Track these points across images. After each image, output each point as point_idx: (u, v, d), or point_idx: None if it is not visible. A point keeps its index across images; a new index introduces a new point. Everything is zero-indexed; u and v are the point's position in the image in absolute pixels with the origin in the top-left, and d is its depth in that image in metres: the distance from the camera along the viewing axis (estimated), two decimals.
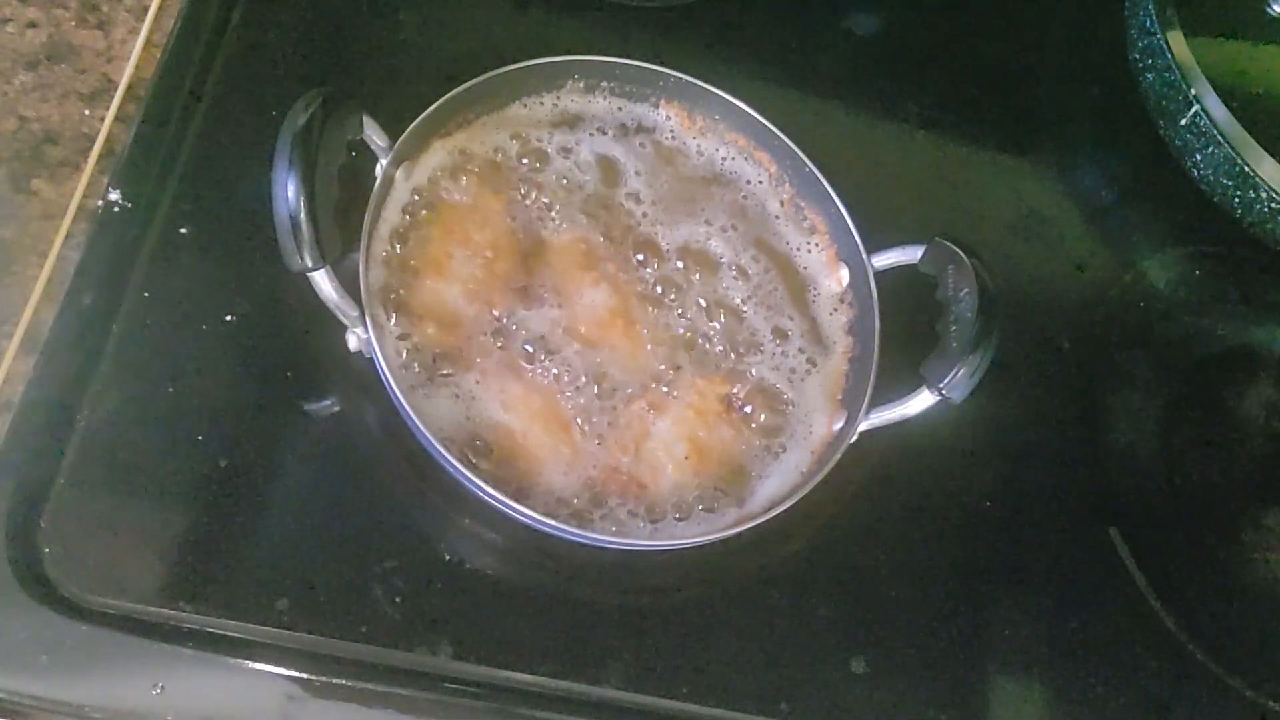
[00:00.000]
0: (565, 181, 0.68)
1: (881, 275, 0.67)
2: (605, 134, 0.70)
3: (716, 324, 0.66)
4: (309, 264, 0.55)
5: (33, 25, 0.68)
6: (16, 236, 0.62)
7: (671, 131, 0.71)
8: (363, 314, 0.58)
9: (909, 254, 0.66)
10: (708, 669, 0.60)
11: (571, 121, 0.70)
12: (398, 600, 0.58)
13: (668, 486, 0.62)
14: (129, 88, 0.67)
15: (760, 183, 0.71)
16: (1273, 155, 0.74)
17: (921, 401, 0.61)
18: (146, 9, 0.70)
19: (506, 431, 0.61)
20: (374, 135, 0.61)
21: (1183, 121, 0.77)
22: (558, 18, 0.77)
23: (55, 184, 0.64)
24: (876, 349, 0.65)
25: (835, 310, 0.69)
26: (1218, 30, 0.78)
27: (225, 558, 0.57)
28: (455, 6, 0.76)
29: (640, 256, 0.67)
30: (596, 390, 0.63)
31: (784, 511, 0.60)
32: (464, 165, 0.66)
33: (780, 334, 0.67)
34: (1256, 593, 0.71)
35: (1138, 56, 0.81)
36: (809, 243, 0.70)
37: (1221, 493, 0.74)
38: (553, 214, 0.67)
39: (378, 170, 0.62)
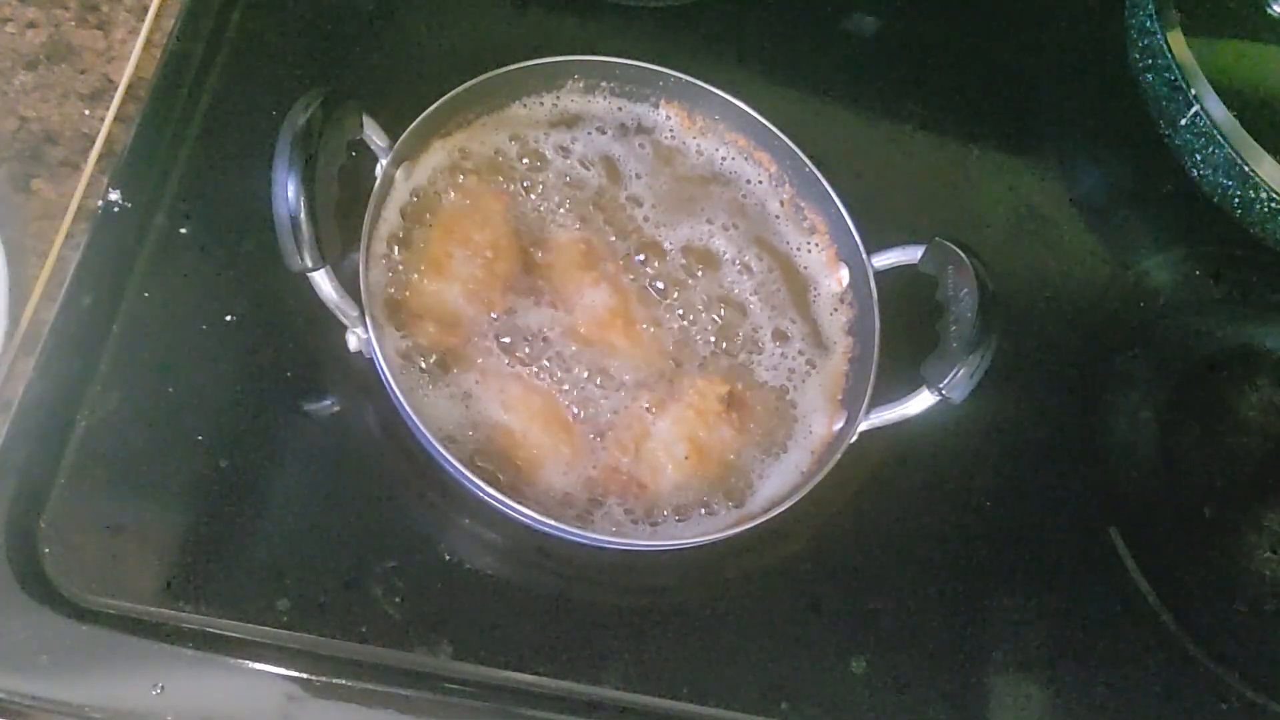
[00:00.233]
0: (565, 181, 0.68)
1: (881, 275, 0.67)
2: (605, 134, 0.70)
3: (717, 323, 0.66)
4: (309, 264, 0.55)
5: (33, 25, 0.68)
6: (16, 236, 0.62)
7: (671, 131, 0.71)
8: (363, 314, 0.58)
9: (909, 254, 0.66)
10: (708, 669, 0.60)
11: (571, 121, 0.70)
12: (398, 600, 0.58)
13: (668, 486, 0.62)
14: (129, 88, 0.67)
15: (760, 183, 0.71)
16: (1273, 155, 0.74)
17: (921, 401, 0.61)
18: (146, 9, 0.70)
19: (506, 431, 0.61)
20: (374, 135, 0.61)
21: (1183, 121, 0.77)
22: (558, 18, 0.77)
23: (55, 184, 0.64)
24: (876, 349, 0.65)
25: (835, 310, 0.69)
26: (1218, 30, 0.78)
27: (225, 558, 0.57)
28: (455, 6, 0.76)
29: (641, 256, 0.67)
30: (596, 390, 0.63)
31: (784, 511, 0.60)
32: (464, 165, 0.66)
33: (780, 334, 0.67)
34: (1256, 593, 0.71)
35: (1138, 56, 0.81)
36: (809, 243, 0.70)
37: (1221, 493, 0.74)
38: (553, 214, 0.67)
39: (378, 170, 0.62)
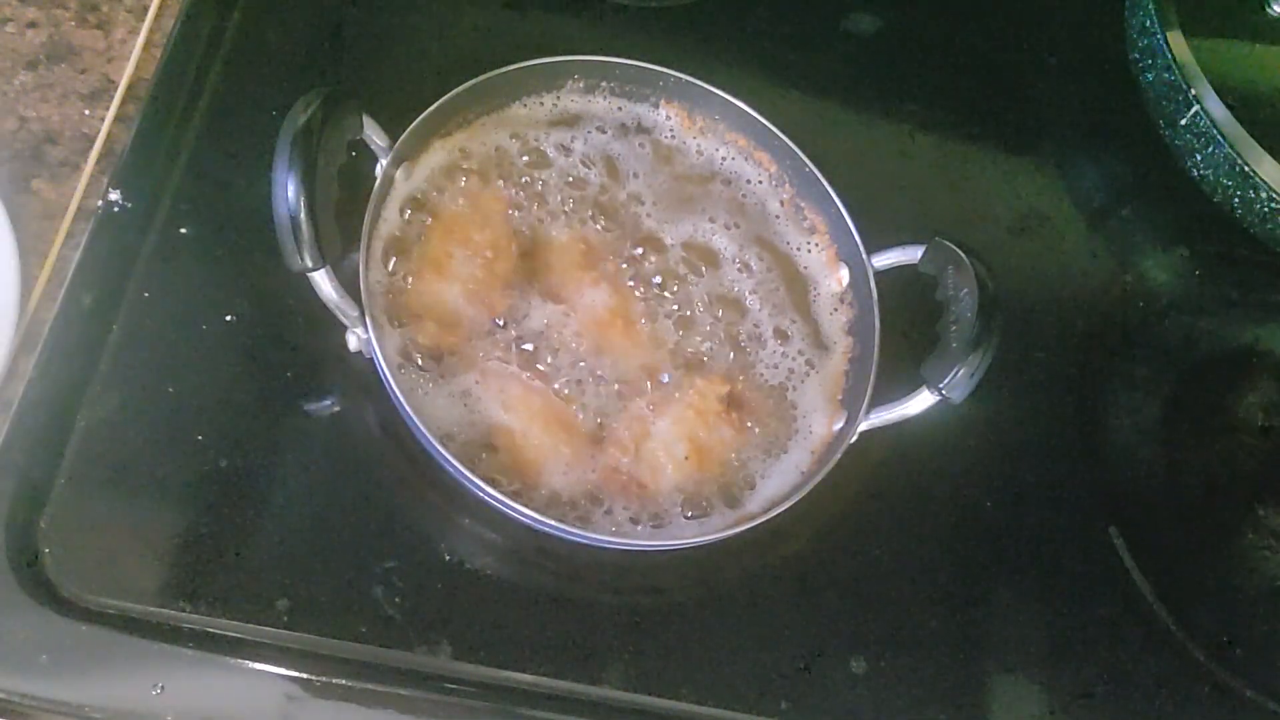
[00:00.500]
0: (567, 181, 0.68)
1: (881, 275, 0.67)
2: (605, 133, 0.70)
3: (717, 323, 0.66)
4: (309, 264, 0.55)
5: (33, 25, 0.68)
6: (16, 236, 0.62)
7: (671, 131, 0.71)
8: (363, 314, 0.58)
9: (909, 254, 0.66)
10: (708, 669, 0.60)
11: (571, 121, 0.70)
12: (398, 600, 0.58)
13: (668, 486, 0.62)
14: (129, 88, 0.67)
15: (760, 183, 0.71)
16: (1273, 155, 0.74)
17: (921, 401, 0.61)
18: (146, 9, 0.70)
19: (506, 431, 0.61)
20: (374, 135, 0.61)
21: (1183, 121, 0.77)
22: (558, 18, 0.77)
23: (55, 184, 0.64)
24: (876, 349, 0.65)
25: (835, 310, 0.69)
26: (1218, 30, 0.78)
27: (225, 558, 0.57)
28: (455, 6, 0.76)
29: (639, 250, 0.67)
30: (596, 390, 0.63)
31: (784, 511, 0.60)
32: (464, 165, 0.66)
33: (780, 334, 0.67)
34: (1256, 593, 0.71)
35: (1138, 56, 0.81)
36: (809, 243, 0.70)
37: (1221, 493, 0.74)
38: (553, 214, 0.67)
39: (378, 170, 0.62)
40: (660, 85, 0.70)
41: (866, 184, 0.71)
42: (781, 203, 0.71)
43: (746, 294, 0.68)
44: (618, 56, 0.70)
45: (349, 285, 0.58)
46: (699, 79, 0.70)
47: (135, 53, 0.68)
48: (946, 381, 0.60)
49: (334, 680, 0.56)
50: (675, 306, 0.66)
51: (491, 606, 0.59)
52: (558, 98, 0.70)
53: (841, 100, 0.81)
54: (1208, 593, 0.70)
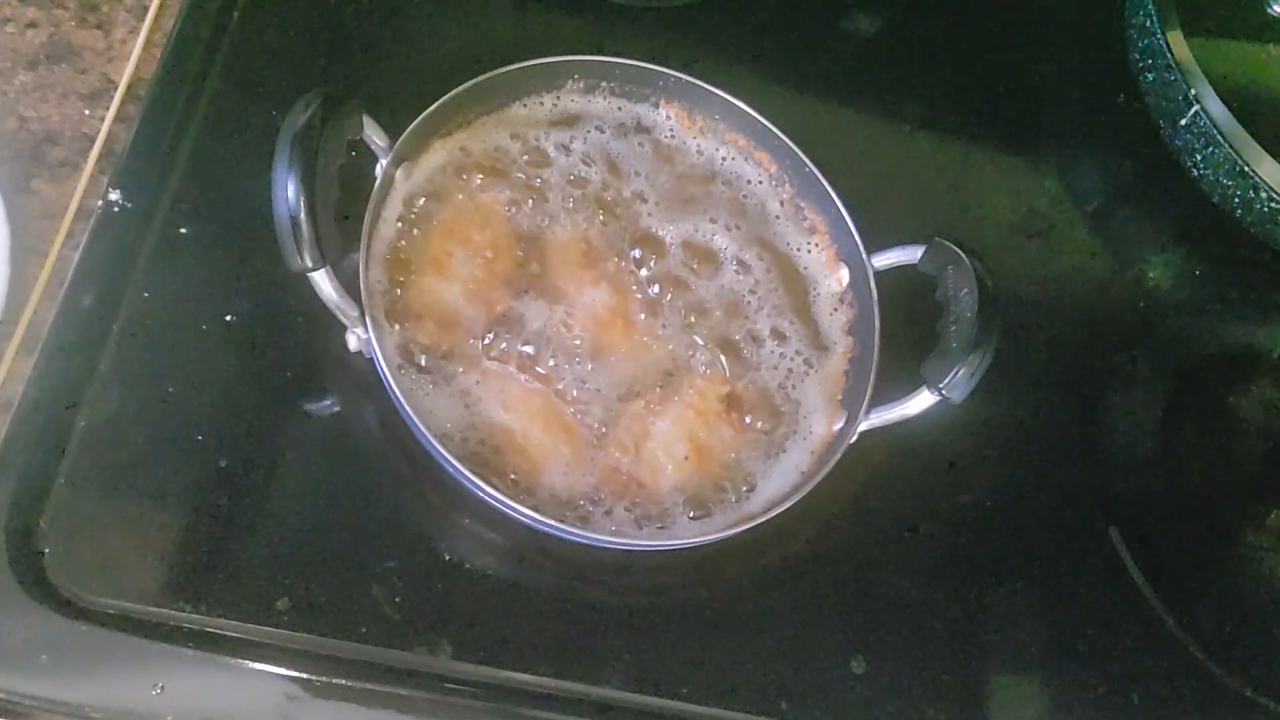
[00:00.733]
0: (568, 180, 0.68)
1: (881, 275, 0.67)
2: (605, 133, 0.70)
3: (717, 323, 0.66)
4: (309, 264, 0.55)
5: (33, 25, 0.68)
6: (17, 236, 0.62)
7: (671, 131, 0.71)
8: (363, 314, 0.58)
9: (909, 254, 0.66)
10: (708, 669, 0.60)
11: (571, 121, 0.70)
12: (398, 600, 0.58)
13: (668, 486, 0.62)
14: (129, 88, 0.67)
15: (760, 183, 0.71)
16: (1273, 155, 0.74)
17: (921, 401, 0.61)
18: (146, 9, 0.70)
19: (506, 431, 0.61)
20: (374, 135, 0.61)
21: (1183, 121, 0.77)
22: (558, 18, 0.77)
23: (55, 184, 0.64)
24: (876, 349, 0.65)
25: (835, 310, 0.69)
26: (1218, 30, 0.78)
27: (225, 558, 0.57)
28: (455, 6, 0.76)
29: (637, 252, 0.67)
30: (596, 390, 0.63)
31: (784, 511, 0.60)
32: (464, 165, 0.66)
33: (780, 334, 0.67)
34: (1256, 593, 0.71)
35: (1138, 56, 0.81)
36: (809, 243, 0.70)
37: (1221, 493, 0.74)
38: (553, 213, 0.67)
39: (378, 170, 0.62)
40: (660, 85, 0.70)
41: (866, 184, 0.71)
42: (781, 203, 0.71)
43: (746, 294, 0.68)
44: (618, 56, 0.70)
45: (349, 285, 0.58)
46: (699, 79, 0.70)
47: (135, 53, 0.69)
48: (946, 381, 0.60)
49: (334, 680, 0.56)
50: (676, 306, 0.66)
51: (491, 606, 0.59)
52: (558, 98, 0.70)
53: (841, 100, 0.81)
54: (1208, 593, 0.70)
